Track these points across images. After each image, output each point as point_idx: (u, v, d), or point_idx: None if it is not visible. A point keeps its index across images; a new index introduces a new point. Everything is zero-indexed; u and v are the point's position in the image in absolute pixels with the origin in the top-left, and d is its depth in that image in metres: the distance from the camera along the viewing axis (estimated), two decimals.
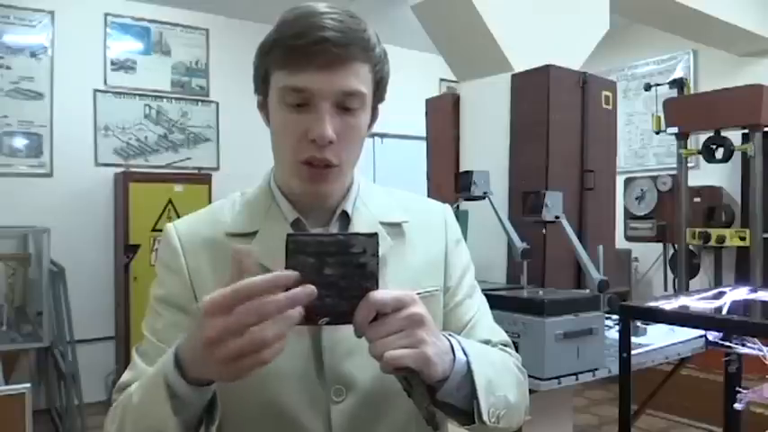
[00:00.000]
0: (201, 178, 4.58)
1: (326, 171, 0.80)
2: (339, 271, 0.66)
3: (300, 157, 0.79)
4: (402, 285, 0.76)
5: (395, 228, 0.89)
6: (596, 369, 1.85)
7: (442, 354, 0.72)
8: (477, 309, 0.94)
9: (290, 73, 0.77)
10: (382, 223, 0.88)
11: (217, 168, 4.93)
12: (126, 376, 0.82)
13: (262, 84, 0.84)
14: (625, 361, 1.51)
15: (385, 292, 0.67)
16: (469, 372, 0.75)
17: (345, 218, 0.87)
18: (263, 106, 0.86)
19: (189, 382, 0.67)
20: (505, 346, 0.93)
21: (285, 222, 0.85)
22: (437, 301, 0.89)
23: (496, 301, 1.54)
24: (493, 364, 0.81)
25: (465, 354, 0.76)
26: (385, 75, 0.84)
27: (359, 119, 0.81)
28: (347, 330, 0.79)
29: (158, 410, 0.68)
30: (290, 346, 0.80)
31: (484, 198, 2.43)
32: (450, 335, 0.77)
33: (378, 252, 0.67)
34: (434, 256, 0.92)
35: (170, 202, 4.33)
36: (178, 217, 0.95)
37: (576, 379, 1.81)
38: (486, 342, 0.89)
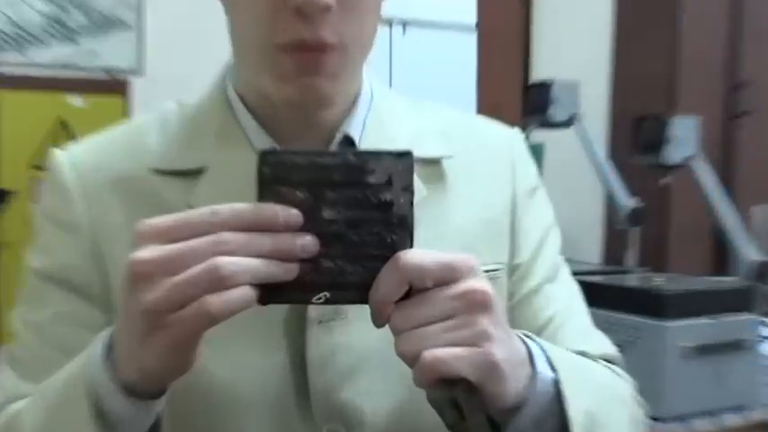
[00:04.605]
0: (114, 86, 3.62)
1: (323, 57, 0.58)
2: (347, 214, 0.47)
3: (279, 39, 0.58)
4: None
5: (430, 166, 0.67)
6: (746, 406, 1.57)
7: (516, 364, 0.53)
8: (565, 300, 0.73)
9: None
10: None
11: (139, 72, 3.80)
12: None
13: None
14: None
15: (424, 253, 0.48)
16: (559, 397, 0.56)
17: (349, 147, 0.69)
18: None
19: (123, 389, 0.51)
20: (610, 362, 0.71)
21: (251, 152, 0.64)
22: (499, 287, 0.67)
23: (587, 293, 1.07)
24: (597, 387, 0.62)
25: (552, 368, 0.56)
26: None
27: None
28: (349, 333, 0.64)
29: None
30: (255, 360, 0.66)
31: (570, 125, 2.15)
32: (526, 335, 0.58)
33: (413, 184, 0.48)
34: (495, 215, 0.70)
35: (62, 122, 3.47)
36: None
37: (715, 420, 1.54)
38: (581, 354, 0.67)
